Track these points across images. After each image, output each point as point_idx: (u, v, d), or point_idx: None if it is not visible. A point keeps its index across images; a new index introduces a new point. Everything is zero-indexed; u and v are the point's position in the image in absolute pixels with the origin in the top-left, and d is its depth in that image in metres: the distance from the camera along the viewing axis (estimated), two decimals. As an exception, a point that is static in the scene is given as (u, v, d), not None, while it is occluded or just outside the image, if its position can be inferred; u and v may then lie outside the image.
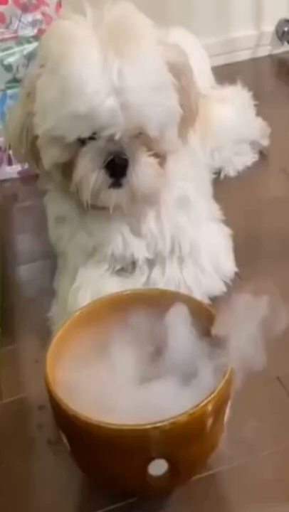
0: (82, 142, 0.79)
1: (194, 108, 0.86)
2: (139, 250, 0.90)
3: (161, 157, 0.84)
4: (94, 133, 0.78)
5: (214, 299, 0.92)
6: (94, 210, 0.85)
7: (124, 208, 0.85)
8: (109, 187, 0.81)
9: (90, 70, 0.75)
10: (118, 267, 0.92)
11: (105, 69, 0.75)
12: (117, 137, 0.77)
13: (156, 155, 0.83)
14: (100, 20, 0.78)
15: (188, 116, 0.85)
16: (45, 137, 0.80)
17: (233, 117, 1.20)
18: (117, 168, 0.79)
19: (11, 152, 1.25)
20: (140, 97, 0.76)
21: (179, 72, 0.82)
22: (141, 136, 0.80)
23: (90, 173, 0.79)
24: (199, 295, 0.89)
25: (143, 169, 0.80)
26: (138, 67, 0.76)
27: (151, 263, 0.92)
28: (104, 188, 0.81)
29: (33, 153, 0.85)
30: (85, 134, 0.78)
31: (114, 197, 0.82)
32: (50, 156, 0.82)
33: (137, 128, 0.78)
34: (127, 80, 0.75)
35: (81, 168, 0.80)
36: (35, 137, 0.82)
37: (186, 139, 0.88)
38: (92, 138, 0.78)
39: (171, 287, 0.89)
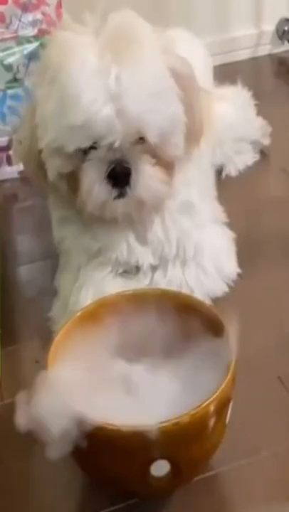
0: (84, 152, 0.78)
1: (199, 121, 0.84)
2: (145, 257, 0.90)
3: (168, 165, 0.83)
4: (94, 142, 0.77)
5: (216, 299, 0.92)
6: (102, 220, 0.84)
7: (132, 217, 0.85)
8: (114, 198, 0.80)
9: (86, 77, 0.74)
10: (121, 270, 0.92)
11: (102, 76, 0.74)
12: (116, 145, 0.77)
13: (163, 163, 0.82)
14: (100, 29, 0.77)
15: (192, 130, 0.83)
16: (47, 149, 0.80)
17: (232, 116, 1.20)
18: (119, 177, 0.78)
19: (11, 152, 1.25)
20: (138, 104, 0.75)
21: (183, 82, 0.81)
22: (143, 144, 0.79)
23: (94, 185, 0.79)
24: (201, 296, 0.89)
25: (146, 177, 0.79)
26: (137, 73, 0.75)
27: (154, 267, 0.92)
28: (110, 199, 0.80)
29: (40, 167, 0.84)
30: (85, 144, 0.77)
31: (120, 208, 0.81)
32: (53, 168, 0.81)
33: (136, 134, 0.77)
34: (125, 86, 0.74)
35: (86, 182, 0.79)
36: (40, 150, 0.81)
37: (191, 153, 0.86)
38: (93, 147, 0.78)
39: (173, 288, 0.89)
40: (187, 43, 1.16)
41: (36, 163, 0.84)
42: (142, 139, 0.78)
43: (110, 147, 0.77)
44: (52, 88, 0.77)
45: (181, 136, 0.82)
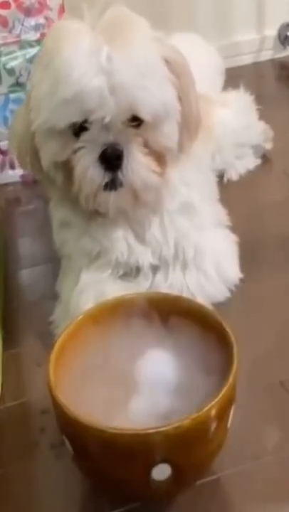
0: (76, 134, 0.78)
1: (195, 113, 0.85)
2: (144, 257, 0.90)
3: (161, 157, 0.83)
4: (85, 121, 0.77)
5: (217, 304, 0.92)
6: (97, 215, 0.84)
7: (127, 211, 0.84)
8: (106, 187, 0.79)
9: (78, 55, 0.75)
10: (121, 272, 0.92)
11: (94, 53, 0.75)
12: (107, 120, 0.76)
13: (155, 154, 0.82)
14: (96, 20, 0.78)
15: (188, 121, 0.84)
16: (40, 131, 0.80)
17: (234, 121, 1.20)
18: (111, 159, 0.78)
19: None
20: (129, 80, 0.75)
21: (177, 71, 0.81)
22: (136, 128, 0.79)
23: (86, 169, 0.79)
24: (202, 300, 0.88)
25: (138, 162, 0.79)
26: (128, 53, 0.75)
27: (155, 268, 0.92)
28: (101, 189, 0.80)
29: (36, 157, 0.84)
30: (76, 119, 0.77)
31: (112, 199, 0.81)
32: (47, 153, 0.81)
33: (128, 112, 0.77)
34: (116, 64, 0.74)
35: (79, 166, 0.79)
36: (33, 135, 0.81)
37: (188, 148, 0.86)
38: (85, 128, 0.78)
39: (174, 292, 0.89)
40: (199, 47, 1.16)
41: (31, 152, 0.84)
42: (134, 120, 0.78)
43: (102, 124, 0.77)
44: (46, 72, 0.78)
45: (175, 126, 0.82)
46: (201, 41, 1.21)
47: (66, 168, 0.81)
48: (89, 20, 0.79)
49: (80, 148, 0.79)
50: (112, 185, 0.80)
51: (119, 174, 0.79)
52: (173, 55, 0.81)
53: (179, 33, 1.08)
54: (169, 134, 0.82)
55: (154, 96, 0.77)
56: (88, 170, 0.79)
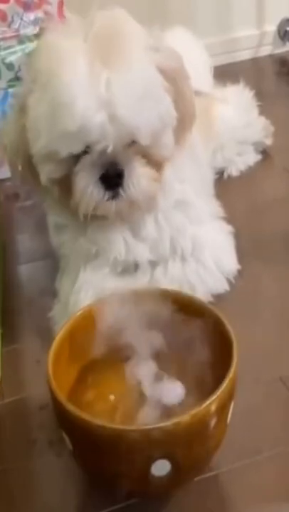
0: (76, 157, 0.79)
1: (191, 110, 0.86)
2: (142, 254, 0.90)
3: (158, 163, 0.84)
4: (87, 147, 0.78)
5: (217, 298, 0.92)
6: (94, 219, 0.85)
7: (124, 216, 0.85)
8: (108, 199, 0.81)
9: (78, 83, 0.75)
10: (120, 269, 0.91)
11: (93, 81, 0.75)
12: (109, 150, 0.78)
13: (153, 161, 0.83)
14: (88, 31, 0.78)
15: (184, 119, 0.85)
16: (39, 154, 0.81)
17: (234, 118, 1.20)
18: (112, 180, 0.80)
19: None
20: (128, 108, 0.76)
21: (172, 75, 0.82)
22: (135, 145, 0.80)
23: (87, 188, 0.80)
24: (202, 293, 0.89)
25: (139, 178, 0.81)
26: (126, 77, 0.76)
27: (153, 263, 0.92)
28: (103, 201, 0.81)
29: (30, 170, 0.85)
30: (77, 150, 0.78)
31: (113, 208, 0.82)
32: (46, 172, 0.82)
33: (128, 138, 0.79)
34: (115, 92, 0.75)
35: (79, 186, 0.80)
36: (31, 155, 0.82)
37: (183, 143, 0.87)
38: (85, 152, 0.79)
39: (174, 286, 0.89)
40: (186, 44, 1.16)
41: (27, 166, 0.85)
42: (133, 142, 0.79)
43: (103, 152, 0.78)
44: (44, 94, 0.78)
45: (171, 133, 0.83)
46: (190, 37, 1.20)
47: (64, 183, 0.82)
48: (80, 29, 0.79)
49: (80, 169, 0.80)
50: (113, 197, 0.81)
51: (120, 191, 0.80)
52: (167, 62, 0.82)
53: (168, 28, 1.07)
54: (166, 144, 0.83)
55: (153, 117, 0.78)
56: (89, 189, 0.80)
